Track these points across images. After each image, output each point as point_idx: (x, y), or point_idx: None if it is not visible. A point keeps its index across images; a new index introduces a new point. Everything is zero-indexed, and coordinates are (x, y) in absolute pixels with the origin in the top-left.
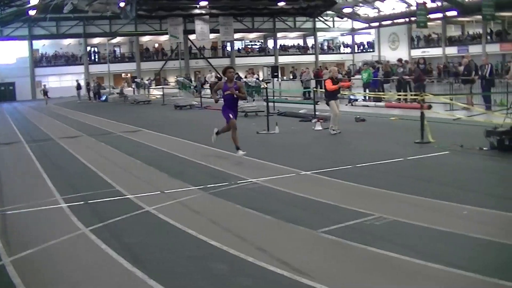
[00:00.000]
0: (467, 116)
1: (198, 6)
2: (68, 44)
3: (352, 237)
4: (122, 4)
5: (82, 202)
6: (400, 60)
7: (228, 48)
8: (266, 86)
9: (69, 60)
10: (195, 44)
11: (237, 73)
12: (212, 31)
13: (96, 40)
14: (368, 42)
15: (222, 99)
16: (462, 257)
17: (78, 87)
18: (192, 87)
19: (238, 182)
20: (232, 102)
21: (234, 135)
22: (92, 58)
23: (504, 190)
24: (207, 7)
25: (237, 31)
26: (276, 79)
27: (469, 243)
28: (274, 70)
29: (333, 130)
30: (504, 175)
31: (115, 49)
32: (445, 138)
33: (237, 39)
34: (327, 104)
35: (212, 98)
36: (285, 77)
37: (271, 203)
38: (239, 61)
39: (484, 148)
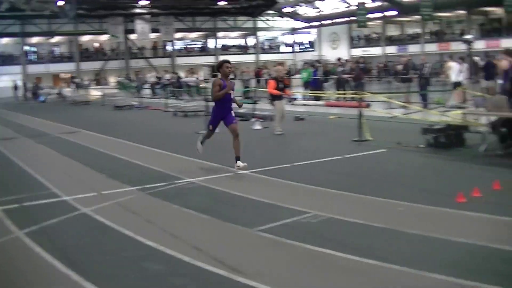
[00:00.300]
0: (404, 114)
1: (138, 5)
2: (5, 43)
3: (289, 235)
4: (60, 3)
5: (16, 205)
6: (339, 59)
7: (169, 48)
8: (205, 85)
9: (6, 60)
10: (135, 44)
11: (177, 73)
12: (153, 30)
13: (34, 40)
14: (309, 42)
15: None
16: (396, 252)
17: (15, 87)
18: (133, 87)
19: (176, 182)
20: (229, 102)
21: (206, 136)
22: (30, 58)
23: (439, 186)
24: (148, 6)
25: (178, 30)
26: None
27: (403, 239)
28: (214, 69)
29: (278, 131)
30: (439, 171)
31: (54, 48)
32: (383, 136)
33: (178, 39)
34: (272, 104)
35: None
36: None
37: (208, 203)
38: (180, 60)
39: (421, 146)
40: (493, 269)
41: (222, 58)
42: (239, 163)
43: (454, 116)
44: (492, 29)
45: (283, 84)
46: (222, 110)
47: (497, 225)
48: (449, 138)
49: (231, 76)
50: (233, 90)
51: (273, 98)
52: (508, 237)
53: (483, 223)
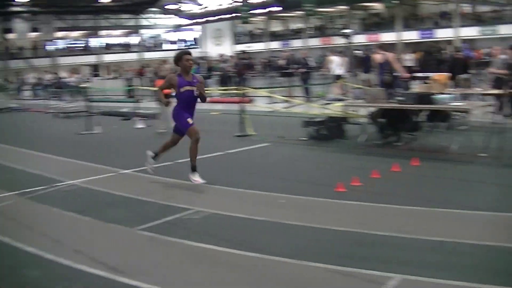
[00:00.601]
0: (285, 108)
1: (17, 3)
2: None
3: (171, 233)
4: None
5: None
6: (222, 55)
7: (50, 48)
8: (86, 85)
9: None
10: (14, 44)
11: (57, 73)
12: (33, 29)
13: None
14: (194, 39)
15: (177, 99)
16: (278, 244)
17: None
18: (11, 88)
19: (56, 184)
20: (191, 104)
21: (194, 150)
22: None
23: (320, 177)
24: (27, 4)
25: (59, 29)
26: (98, 77)
27: (285, 230)
28: (96, 69)
29: (162, 129)
30: (320, 163)
31: None
32: (266, 131)
33: (59, 38)
34: (160, 103)
35: (160, 100)
36: (108, 76)
37: (89, 204)
38: (62, 60)
39: (303, 138)
40: (373, 255)
41: (105, 57)
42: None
43: (335, 109)
44: (372, 24)
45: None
46: (184, 108)
47: (375, 212)
48: (330, 130)
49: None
50: (194, 85)
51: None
52: (386, 223)
53: (362, 211)
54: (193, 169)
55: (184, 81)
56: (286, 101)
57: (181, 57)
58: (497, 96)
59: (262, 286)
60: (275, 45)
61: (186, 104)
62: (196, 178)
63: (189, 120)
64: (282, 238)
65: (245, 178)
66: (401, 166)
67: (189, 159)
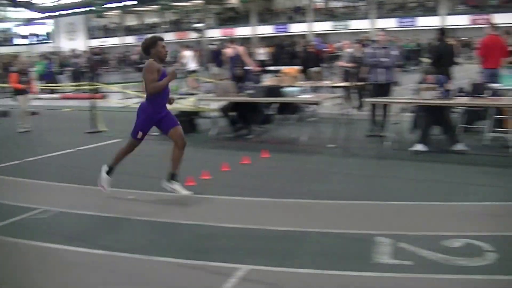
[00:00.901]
0: (137, 103)
1: None
2: None
3: (16, 234)
4: None
5: None
6: (74, 50)
7: None
8: None
9: None
10: None
11: None
12: None
13: None
14: (47, 33)
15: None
16: (126, 240)
17: None
18: None
19: None
20: (166, 97)
21: (121, 155)
22: None
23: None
24: None
25: None
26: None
27: (134, 226)
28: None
29: (24, 127)
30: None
31: None
32: (118, 126)
33: None
34: (15, 98)
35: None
36: None
37: None
38: None
39: (155, 134)
40: (220, 247)
41: None
42: (178, 186)
43: (187, 103)
44: (228, 18)
45: (27, 77)
46: (158, 109)
47: (223, 205)
48: (181, 125)
49: None
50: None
51: (17, 92)
52: (233, 215)
53: (210, 204)
54: (110, 171)
55: (166, 72)
56: (139, 96)
57: (156, 42)
58: (345, 88)
59: (108, 283)
60: (130, 39)
61: (162, 100)
62: (104, 184)
63: (140, 134)
64: (129, 234)
65: (94, 175)
66: (251, 159)
67: (35, 157)
